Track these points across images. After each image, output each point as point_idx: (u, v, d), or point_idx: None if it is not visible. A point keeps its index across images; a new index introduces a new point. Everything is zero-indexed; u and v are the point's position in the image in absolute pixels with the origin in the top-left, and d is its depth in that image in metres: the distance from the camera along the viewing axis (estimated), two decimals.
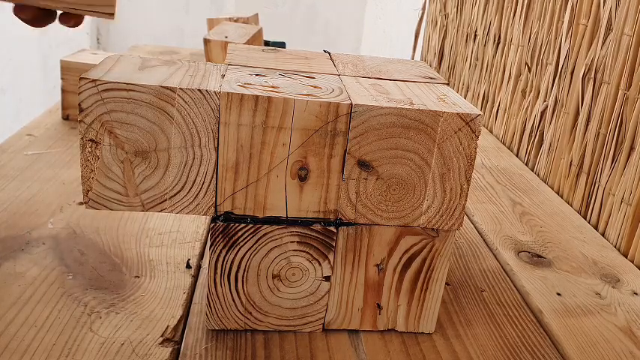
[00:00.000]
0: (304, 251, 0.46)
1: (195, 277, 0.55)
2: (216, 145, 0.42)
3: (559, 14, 0.90)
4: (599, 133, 0.77)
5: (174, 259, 0.57)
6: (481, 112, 0.44)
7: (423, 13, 1.57)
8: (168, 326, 0.47)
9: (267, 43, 1.35)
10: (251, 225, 0.44)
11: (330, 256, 0.46)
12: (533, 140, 0.95)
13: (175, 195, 0.43)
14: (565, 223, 0.75)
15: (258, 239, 0.45)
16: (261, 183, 0.43)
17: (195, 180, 0.43)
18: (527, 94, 0.98)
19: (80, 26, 0.46)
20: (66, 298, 0.49)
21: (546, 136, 0.91)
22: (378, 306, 0.49)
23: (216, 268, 0.45)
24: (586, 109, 0.81)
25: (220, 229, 0.44)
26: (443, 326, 0.51)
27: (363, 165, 0.44)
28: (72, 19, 0.46)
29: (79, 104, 0.40)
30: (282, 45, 1.38)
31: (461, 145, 0.44)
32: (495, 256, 0.65)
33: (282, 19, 2.83)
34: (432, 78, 0.53)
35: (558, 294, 0.59)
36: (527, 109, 0.98)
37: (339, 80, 0.48)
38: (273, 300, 0.47)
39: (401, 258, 0.47)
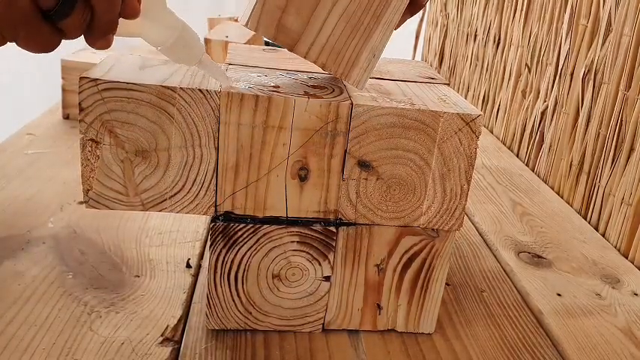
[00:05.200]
0: (304, 251, 0.46)
1: (195, 276, 0.55)
2: (216, 145, 0.42)
3: (559, 15, 0.90)
4: (599, 133, 0.77)
5: (174, 259, 0.57)
6: (481, 113, 0.44)
7: (423, 14, 1.57)
8: (168, 326, 0.47)
9: (267, 43, 1.35)
10: (251, 225, 0.44)
11: (330, 256, 0.46)
12: (534, 141, 0.95)
13: (175, 195, 0.43)
14: (565, 224, 0.75)
15: (258, 239, 0.45)
16: (261, 183, 0.43)
17: (195, 180, 0.43)
18: (528, 94, 0.98)
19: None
20: (66, 298, 0.49)
21: (546, 137, 0.91)
22: (378, 306, 0.49)
23: (216, 268, 0.45)
24: (586, 109, 0.81)
25: (220, 229, 0.44)
26: (443, 326, 0.51)
27: (364, 165, 0.44)
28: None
29: (80, 103, 0.40)
30: None
31: (461, 146, 0.44)
32: (495, 257, 0.65)
33: None
34: (432, 78, 0.53)
35: (558, 294, 0.59)
36: (527, 109, 0.98)
37: (339, 80, 0.48)
38: (273, 300, 0.47)
39: (401, 258, 0.47)
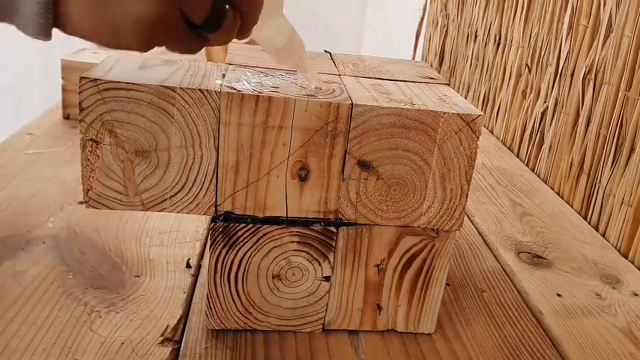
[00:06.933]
0: (304, 251, 0.46)
1: (195, 276, 0.55)
2: (216, 145, 0.42)
3: (559, 15, 0.90)
4: (599, 134, 0.77)
5: (175, 259, 0.57)
6: (481, 113, 0.44)
7: (423, 14, 1.57)
8: (168, 326, 0.47)
9: None
10: (251, 225, 0.44)
11: (330, 256, 0.46)
12: (534, 141, 0.95)
13: (175, 195, 0.43)
14: (565, 224, 0.75)
15: (258, 239, 0.45)
16: (261, 183, 0.43)
17: (195, 180, 0.43)
18: (528, 94, 0.98)
19: None
20: (66, 298, 0.49)
21: (547, 137, 0.91)
22: (378, 306, 0.49)
23: (216, 268, 0.45)
24: (586, 110, 0.80)
25: (220, 229, 0.44)
26: (443, 326, 0.51)
27: (364, 165, 0.44)
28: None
29: (80, 103, 0.40)
30: None
31: (461, 146, 0.44)
32: (496, 257, 0.65)
33: None
34: (432, 78, 0.53)
35: (558, 295, 0.59)
36: (527, 109, 0.98)
37: (339, 80, 0.48)
38: (273, 300, 0.47)
39: (401, 258, 0.47)
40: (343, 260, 0.47)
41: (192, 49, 0.39)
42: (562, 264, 0.65)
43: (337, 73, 0.51)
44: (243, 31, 0.40)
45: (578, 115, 0.83)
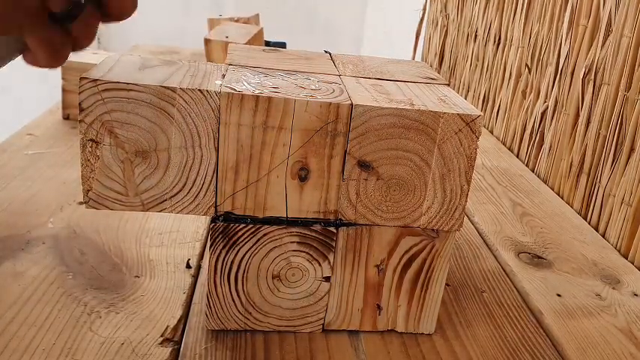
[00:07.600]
0: (304, 252, 0.46)
1: (195, 277, 0.55)
2: (216, 145, 0.42)
3: (559, 15, 0.90)
4: (599, 134, 0.77)
5: (174, 259, 0.57)
6: (481, 113, 0.44)
7: (423, 14, 1.57)
8: (168, 326, 0.47)
9: (267, 44, 1.35)
10: (251, 225, 0.44)
11: (330, 257, 0.46)
12: (534, 141, 0.95)
13: (175, 195, 0.43)
14: (565, 224, 0.75)
15: (258, 239, 0.45)
16: (261, 183, 0.43)
17: (195, 180, 0.43)
18: (528, 94, 0.98)
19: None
20: (66, 298, 0.49)
21: (547, 137, 0.91)
22: (378, 307, 0.49)
23: (216, 269, 0.45)
24: (586, 110, 0.81)
25: (220, 230, 0.44)
26: (443, 327, 0.51)
27: (364, 165, 0.44)
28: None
29: (80, 104, 0.40)
30: (282, 45, 1.39)
31: (461, 146, 0.44)
32: (496, 257, 0.65)
33: (282, 20, 2.83)
34: (432, 78, 0.53)
35: (558, 295, 0.59)
36: (527, 109, 0.98)
37: (339, 80, 0.48)
38: (273, 300, 0.47)
39: (401, 259, 0.47)
40: (343, 261, 0.47)
41: (54, 44, 0.35)
42: (562, 264, 0.65)
43: (337, 73, 0.51)
44: (111, 18, 0.38)
45: (577, 115, 0.83)
